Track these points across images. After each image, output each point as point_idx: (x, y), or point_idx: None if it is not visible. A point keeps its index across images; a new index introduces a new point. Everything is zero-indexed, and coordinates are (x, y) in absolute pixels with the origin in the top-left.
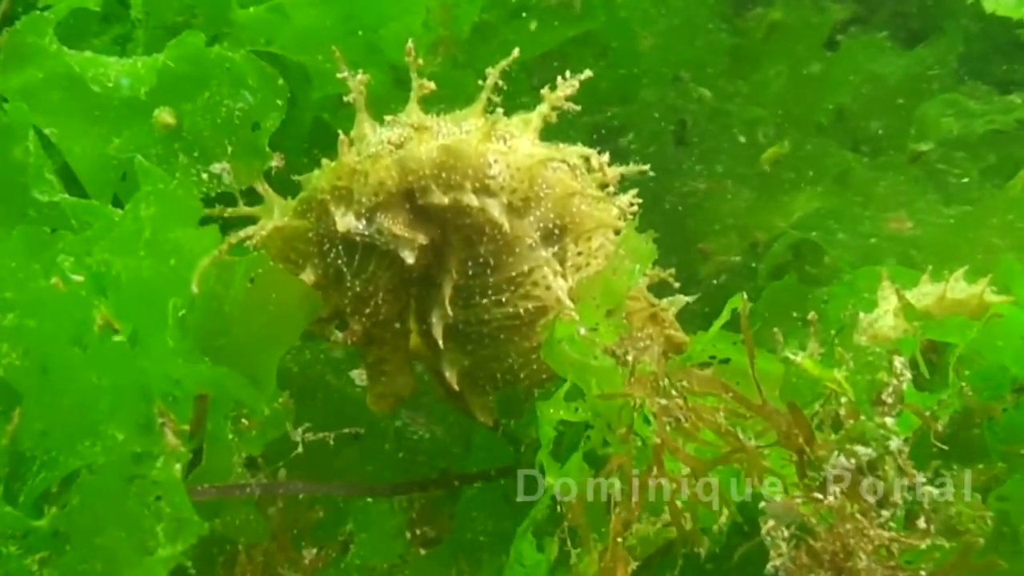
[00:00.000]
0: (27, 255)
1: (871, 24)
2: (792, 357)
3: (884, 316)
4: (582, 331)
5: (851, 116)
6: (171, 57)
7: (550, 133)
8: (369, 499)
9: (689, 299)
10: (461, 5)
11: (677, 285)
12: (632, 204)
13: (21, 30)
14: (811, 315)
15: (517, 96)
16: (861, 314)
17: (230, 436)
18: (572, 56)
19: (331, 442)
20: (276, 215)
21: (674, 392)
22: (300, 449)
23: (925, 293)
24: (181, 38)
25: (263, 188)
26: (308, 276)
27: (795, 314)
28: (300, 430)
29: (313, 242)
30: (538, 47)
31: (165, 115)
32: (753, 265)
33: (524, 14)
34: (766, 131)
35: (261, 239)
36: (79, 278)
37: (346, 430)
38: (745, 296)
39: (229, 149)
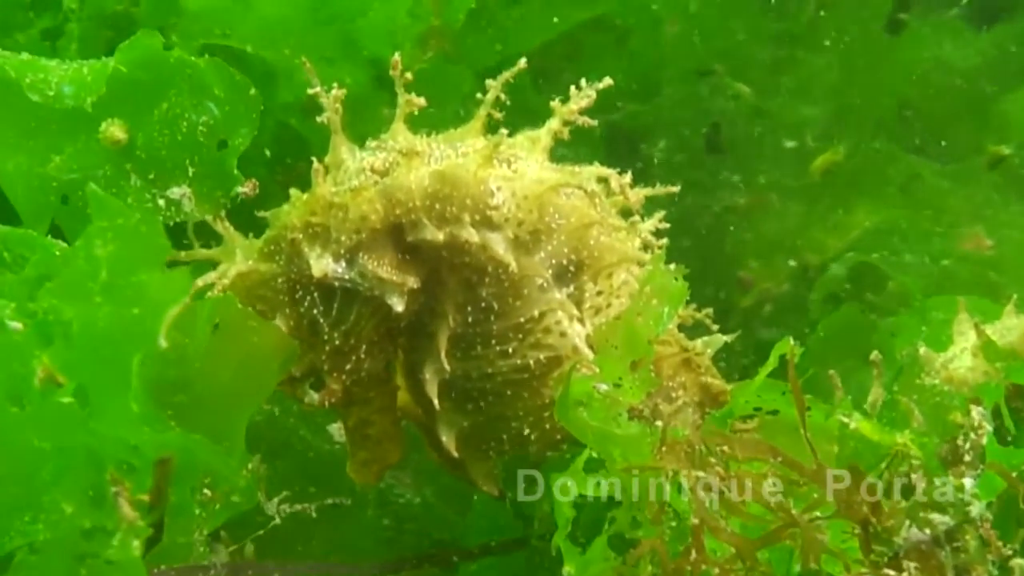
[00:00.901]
0: None
1: None
2: (846, 420)
3: (961, 355)
4: (602, 388)
5: (917, 113)
6: (123, 61)
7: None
8: None
9: (727, 338)
10: None
11: (716, 328)
12: (659, 231)
13: None
14: (874, 354)
15: (519, 95)
16: (934, 353)
17: (196, 510)
18: (584, 44)
19: (312, 513)
20: (239, 258)
21: (714, 460)
22: (276, 521)
23: (1009, 328)
24: (135, 39)
25: (223, 226)
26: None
27: (857, 351)
28: (275, 501)
29: (283, 289)
30: (543, 34)
31: (115, 129)
32: (804, 294)
33: None
34: (816, 134)
35: (222, 288)
36: (18, 326)
37: (328, 501)
38: (793, 341)
39: (191, 171)
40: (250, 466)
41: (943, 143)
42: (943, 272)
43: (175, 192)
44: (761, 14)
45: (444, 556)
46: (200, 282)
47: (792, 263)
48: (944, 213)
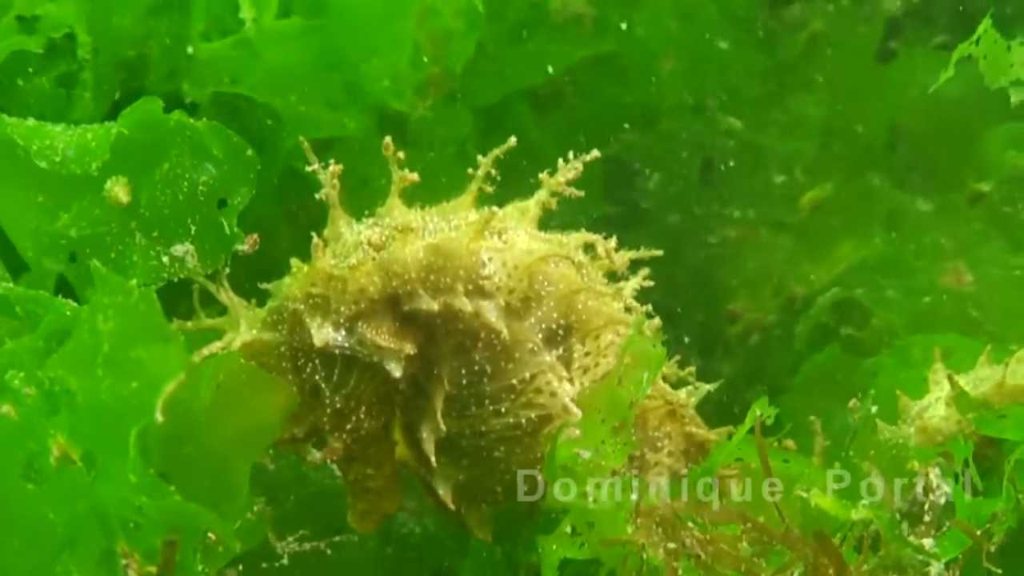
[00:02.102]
0: None
1: (929, 20)
2: (804, 496)
3: (936, 404)
4: (585, 455)
5: (904, 145)
6: (126, 124)
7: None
8: None
9: (710, 387)
10: (455, 40)
11: (704, 387)
12: (645, 290)
13: None
14: (851, 402)
15: (520, 131)
16: (910, 401)
17: (199, 567)
18: (583, 76)
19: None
20: (243, 328)
21: (690, 524)
22: (284, 561)
23: (983, 378)
24: (138, 104)
25: (227, 296)
26: None
27: (840, 390)
28: (285, 543)
29: (286, 356)
30: (542, 73)
31: (119, 191)
32: (791, 324)
33: (525, 33)
34: (804, 167)
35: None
36: (30, 392)
37: (336, 538)
38: (768, 363)
39: (192, 228)
40: (255, 508)
41: (928, 177)
42: (924, 308)
43: (178, 249)
44: (753, 50)
45: None
46: (206, 351)
47: (780, 295)
48: (926, 248)
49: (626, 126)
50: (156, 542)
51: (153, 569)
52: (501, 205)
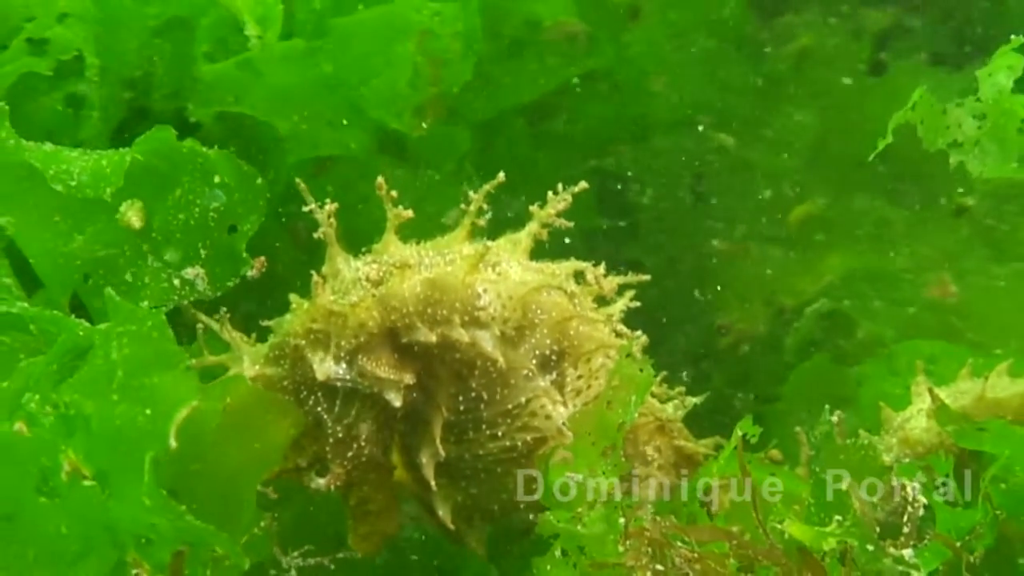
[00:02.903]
0: None
1: (917, 32)
2: (779, 527)
3: (917, 416)
4: (576, 479)
5: (891, 158)
6: (140, 151)
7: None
8: None
9: (697, 400)
10: (453, 63)
11: (691, 400)
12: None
13: None
14: (836, 415)
15: (515, 146)
16: (893, 412)
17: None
18: (577, 92)
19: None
20: (246, 364)
21: (678, 543)
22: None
23: (964, 391)
24: (151, 133)
25: (230, 335)
26: None
27: (827, 400)
28: (290, 558)
29: (289, 389)
30: (537, 90)
31: (132, 215)
32: (780, 335)
33: (520, 51)
34: (793, 182)
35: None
36: (46, 410)
37: (340, 555)
38: (757, 373)
39: (203, 253)
40: (262, 523)
41: (914, 190)
42: (910, 319)
43: (189, 272)
44: (743, 66)
45: None
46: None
47: (769, 306)
48: (912, 260)
49: (619, 142)
50: (166, 556)
51: None
52: (496, 220)
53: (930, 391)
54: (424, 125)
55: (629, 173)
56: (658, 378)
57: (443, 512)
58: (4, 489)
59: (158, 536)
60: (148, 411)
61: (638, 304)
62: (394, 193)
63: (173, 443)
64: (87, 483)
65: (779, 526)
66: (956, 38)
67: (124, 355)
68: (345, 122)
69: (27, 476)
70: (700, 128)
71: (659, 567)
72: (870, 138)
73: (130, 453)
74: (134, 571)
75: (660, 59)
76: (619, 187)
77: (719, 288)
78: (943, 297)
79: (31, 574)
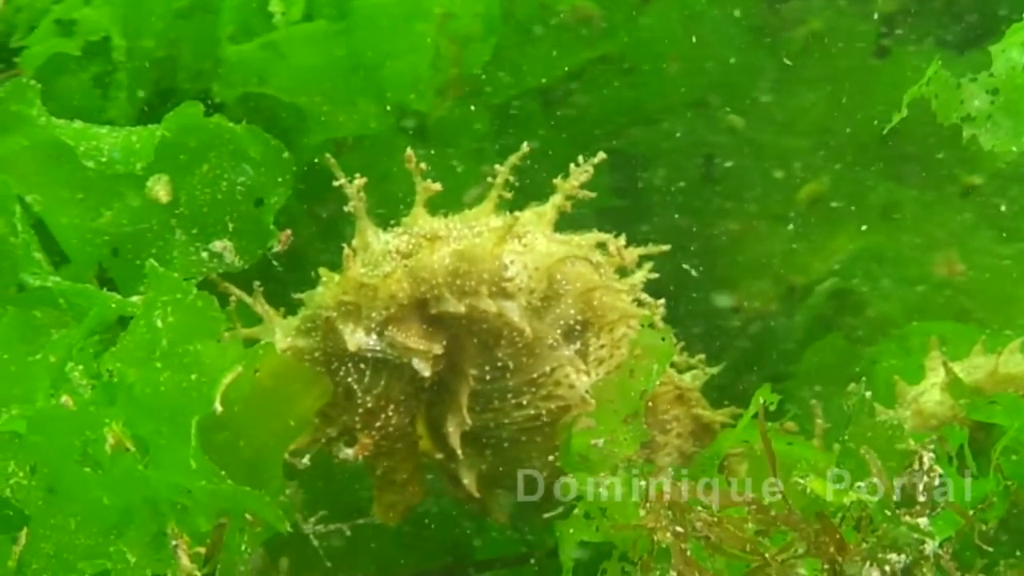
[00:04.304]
0: (20, 344)
1: (922, 16)
2: (801, 481)
3: (931, 390)
4: (599, 444)
5: (899, 138)
6: (169, 127)
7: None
8: None
9: (714, 371)
10: (473, 43)
11: (708, 370)
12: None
13: (6, 98)
14: (850, 386)
15: (531, 127)
16: (907, 386)
17: (243, 547)
18: (592, 75)
19: (345, 531)
20: (278, 336)
21: (698, 507)
22: (315, 542)
23: (977, 366)
24: (180, 109)
25: (263, 308)
26: None
27: (841, 378)
28: (312, 522)
29: (320, 361)
30: (554, 71)
31: (160, 189)
32: (790, 314)
33: (535, 34)
34: (803, 163)
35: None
36: (85, 383)
37: (360, 521)
38: (770, 353)
39: (230, 226)
40: (288, 491)
41: (922, 171)
42: (918, 297)
43: (217, 246)
44: (753, 49)
45: (461, 568)
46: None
47: (779, 285)
48: (920, 239)
49: (631, 124)
50: (203, 525)
51: (202, 550)
52: (514, 201)
53: (944, 365)
54: (446, 104)
55: (641, 154)
56: (678, 347)
57: (468, 481)
58: (47, 461)
59: (195, 504)
60: (193, 377)
61: (656, 275)
62: (423, 165)
63: (218, 407)
64: (128, 453)
65: (801, 481)
66: (962, 23)
67: (168, 323)
68: (366, 103)
69: (70, 448)
70: (711, 110)
71: (679, 528)
72: (879, 119)
73: (174, 419)
74: (173, 542)
75: (673, 42)
76: (631, 168)
77: (730, 268)
78: (951, 276)
79: (72, 543)
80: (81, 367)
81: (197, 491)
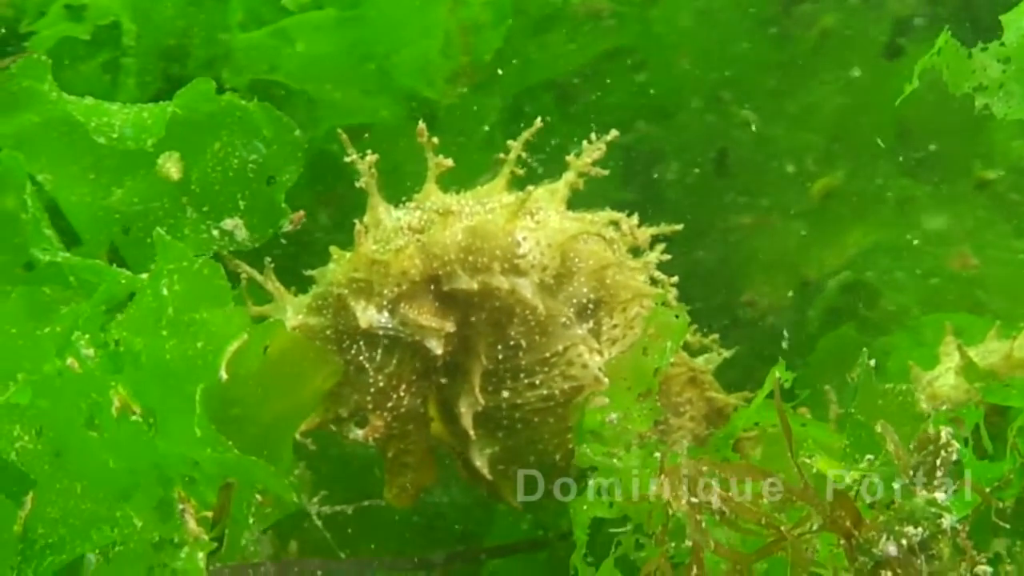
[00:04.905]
0: (28, 320)
1: (937, 17)
2: (808, 462)
3: (945, 374)
4: (613, 419)
5: (913, 135)
6: (180, 104)
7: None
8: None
9: (727, 354)
10: (484, 31)
11: (724, 353)
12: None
13: (17, 74)
14: (864, 360)
15: (545, 122)
16: (921, 371)
17: (250, 520)
18: (604, 70)
19: (348, 511)
20: (289, 313)
21: (712, 483)
22: (318, 522)
23: (991, 350)
24: (191, 85)
25: (274, 285)
26: None
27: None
28: (316, 500)
29: (331, 339)
30: (566, 65)
31: (171, 167)
32: (803, 307)
33: (547, 26)
34: (816, 158)
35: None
36: (91, 352)
37: (365, 502)
38: (792, 354)
39: (242, 204)
40: (296, 471)
41: (936, 164)
42: (932, 289)
43: (228, 223)
44: (766, 45)
45: (472, 553)
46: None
47: (792, 278)
48: (933, 233)
49: (644, 118)
50: (211, 496)
51: (209, 514)
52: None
53: (959, 348)
54: (457, 92)
55: (654, 148)
56: (691, 329)
57: (481, 463)
58: (53, 425)
59: (203, 476)
60: (199, 344)
61: (669, 257)
62: (435, 140)
63: (224, 375)
64: (135, 419)
65: (808, 460)
66: (974, 25)
67: (174, 292)
68: (377, 90)
69: (76, 412)
70: (724, 104)
71: (694, 499)
72: (891, 114)
73: (180, 387)
74: (180, 506)
75: (684, 36)
76: (644, 162)
77: (743, 262)
78: (964, 269)
79: (78, 507)
80: (88, 336)
81: (204, 462)
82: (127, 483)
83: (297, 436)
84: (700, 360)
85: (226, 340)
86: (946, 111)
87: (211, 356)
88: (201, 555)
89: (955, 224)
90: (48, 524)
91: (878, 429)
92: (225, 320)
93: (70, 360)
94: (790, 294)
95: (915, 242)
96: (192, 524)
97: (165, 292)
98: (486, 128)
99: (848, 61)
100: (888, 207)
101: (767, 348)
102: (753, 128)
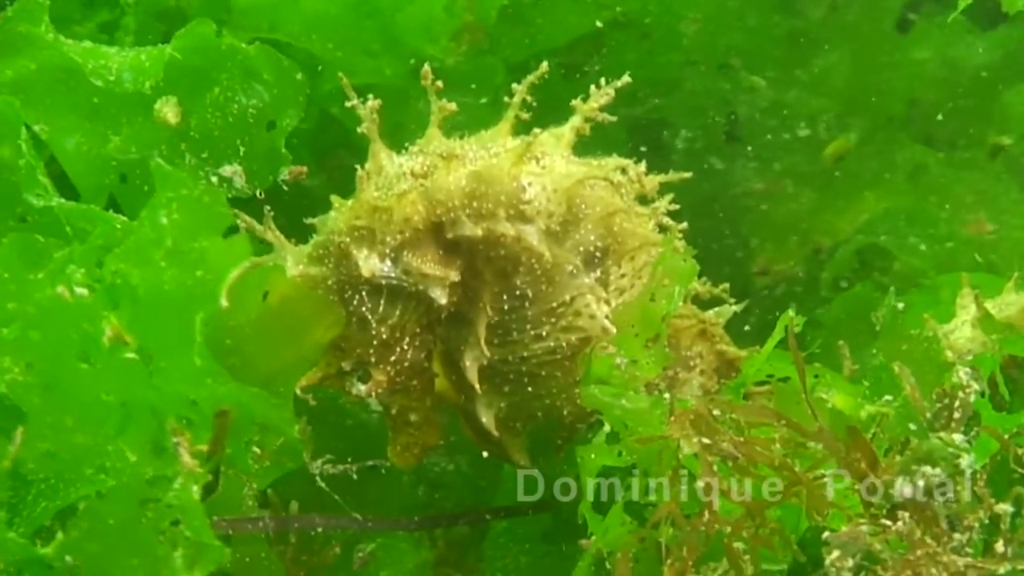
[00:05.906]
0: (21, 265)
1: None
2: (824, 397)
3: (962, 327)
4: (621, 363)
5: (925, 107)
6: (178, 48)
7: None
8: (390, 535)
9: (737, 308)
10: None
11: (734, 304)
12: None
13: (13, 18)
14: (890, 300)
15: (548, 88)
16: (937, 324)
17: (249, 465)
18: (608, 39)
19: (353, 475)
20: (290, 263)
21: (724, 426)
22: (320, 483)
23: (1009, 303)
24: (190, 27)
25: (274, 234)
26: None
27: (869, 327)
28: (319, 462)
29: (333, 289)
30: (571, 31)
31: (168, 111)
32: (815, 274)
33: None
34: (829, 123)
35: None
36: (84, 291)
37: (369, 463)
38: (805, 319)
39: (241, 150)
40: (298, 427)
41: (948, 134)
42: (946, 254)
43: (227, 170)
44: (776, 12)
45: (477, 515)
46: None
47: (805, 245)
48: (948, 199)
49: (652, 85)
50: (207, 436)
51: (204, 448)
52: None
53: (977, 300)
54: (460, 51)
55: (663, 116)
56: (701, 279)
57: (487, 419)
58: (45, 356)
59: (200, 416)
60: (199, 273)
61: (677, 207)
62: (439, 83)
63: (224, 303)
64: (129, 356)
65: (824, 396)
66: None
67: (173, 220)
68: (380, 49)
69: (68, 343)
70: (733, 71)
71: (705, 440)
72: (904, 84)
73: (179, 318)
74: (174, 439)
75: (692, 3)
76: (653, 130)
77: (755, 228)
78: (979, 234)
79: (70, 441)
80: (83, 270)
81: (202, 399)
82: (120, 416)
83: (298, 391)
84: (711, 313)
85: (226, 268)
86: (956, 85)
87: (211, 285)
88: (195, 488)
89: (970, 190)
90: (39, 459)
91: (896, 370)
92: (226, 248)
93: (61, 288)
94: (802, 262)
95: (929, 208)
96: (186, 457)
97: (164, 221)
98: (491, 91)
99: (859, 33)
100: (901, 173)
101: (778, 315)
102: (764, 87)
